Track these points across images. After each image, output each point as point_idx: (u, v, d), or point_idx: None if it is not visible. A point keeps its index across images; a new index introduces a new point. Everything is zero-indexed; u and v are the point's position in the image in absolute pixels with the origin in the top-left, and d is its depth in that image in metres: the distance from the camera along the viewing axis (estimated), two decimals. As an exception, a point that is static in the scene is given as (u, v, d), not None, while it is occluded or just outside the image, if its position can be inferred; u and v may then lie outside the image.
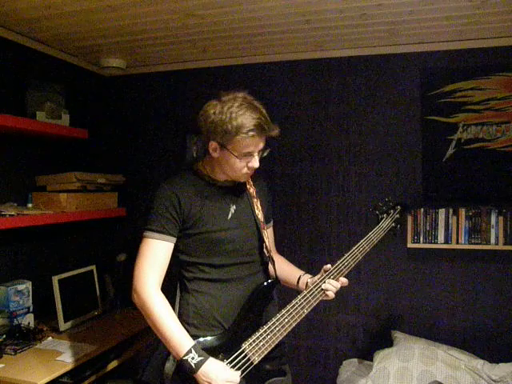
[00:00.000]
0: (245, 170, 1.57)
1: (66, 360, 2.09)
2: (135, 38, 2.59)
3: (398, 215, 1.93)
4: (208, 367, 1.45)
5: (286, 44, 2.70)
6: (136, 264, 1.56)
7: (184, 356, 1.45)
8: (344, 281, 1.66)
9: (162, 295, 1.54)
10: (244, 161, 1.55)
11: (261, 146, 1.56)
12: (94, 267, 2.79)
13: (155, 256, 1.55)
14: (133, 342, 2.50)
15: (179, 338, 1.48)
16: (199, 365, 1.44)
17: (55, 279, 2.46)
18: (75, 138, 2.73)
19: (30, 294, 2.45)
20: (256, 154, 1.56)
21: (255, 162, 1.56)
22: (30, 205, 2.56)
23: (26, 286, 2.42)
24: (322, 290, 1.62)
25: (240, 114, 1.48)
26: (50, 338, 2.36)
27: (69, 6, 2.15)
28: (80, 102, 2.98)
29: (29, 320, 2.41)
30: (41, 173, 2.70)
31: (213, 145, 1.56)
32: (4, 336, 2.23)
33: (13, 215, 2.26)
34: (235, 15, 2.26)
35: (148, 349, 1.87)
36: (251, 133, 1.49)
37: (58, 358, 2.11)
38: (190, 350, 1.46)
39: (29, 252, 2.64)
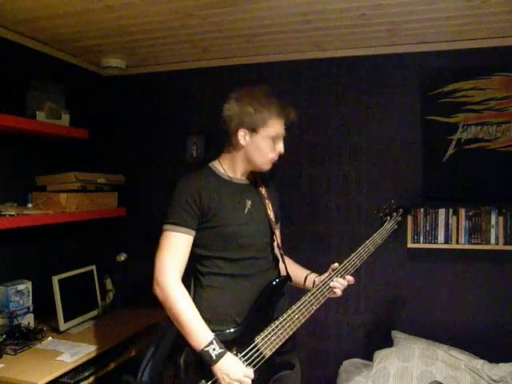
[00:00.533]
0: (272, 154, 1.68)
1: (66, 360, 2.09)
2: (135, 38, 2.59)
3: (400, 218, 1.99)
4: (227, 360, 1.50)
5: (286, 44, 2.70)
6: (157, 257, 1.59)
7: (205, 347, 1.49)
8: (350, 279, 1.72)
9: (184, 287, 1.57)
10: (272, 144, 1.66)
11: (284, 131, 1.70)
12: (93, 267, 2.79)
13: (176, 248, 1.59)
14: (133, 341, 2.50)
15: (201, 330, 1.53)
16: (219, 357, 1.49)
17: (55, 279, 2.46)
18: (75, 138, 2.74)
19: (30, 294, 2.45)
20: (281, 140, 1.69)
21: (282, 147, 1.70)
22: (29, 205, 2.56)
23: (25, 286, 2.42)
24: (330, 287, 1.68)
25: (269, 101, 1.65)
26: (50, 337, 2.36)
27: (69, 6, 2.15)
28: (80, 102, 2.97)
29: (29, 320, 2.41)
30: (41, 173, 2.70)
31: (242, 133, 1.64)
32: (4, 336, 2.23)
33: (13, 215, 2.26)
34: (235, 15, 2.26)
35: (148, 349, 1.87)
36: (282, 113, 1.66)
37: (57, 358, 2.11)
38: (212, 341, 1.51)
39: (29, 252, 2.64)
